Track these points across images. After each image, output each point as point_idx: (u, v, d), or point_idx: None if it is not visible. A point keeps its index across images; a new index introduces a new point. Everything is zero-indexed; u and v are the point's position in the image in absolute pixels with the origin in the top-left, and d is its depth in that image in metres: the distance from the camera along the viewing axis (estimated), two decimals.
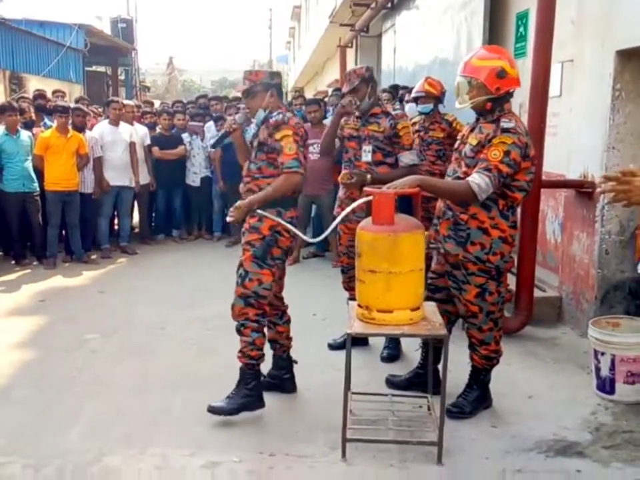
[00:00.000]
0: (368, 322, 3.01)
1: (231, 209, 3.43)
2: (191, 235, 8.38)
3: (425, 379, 3.49)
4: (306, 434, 3.23)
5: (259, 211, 3.33)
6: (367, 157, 4.11)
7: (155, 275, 6.54)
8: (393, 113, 4.30)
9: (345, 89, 4.14)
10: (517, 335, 4.56)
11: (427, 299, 3.31)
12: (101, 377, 3.96)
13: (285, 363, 3.74)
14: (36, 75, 15.21)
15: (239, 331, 3.44)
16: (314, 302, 5.29)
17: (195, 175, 8.12)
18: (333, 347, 4.33)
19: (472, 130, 3.28)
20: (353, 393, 3.27)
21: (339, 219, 3.34)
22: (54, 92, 9.55)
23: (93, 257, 7.13)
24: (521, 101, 5.94)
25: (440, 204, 3.36)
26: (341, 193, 4.31)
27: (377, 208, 2.96)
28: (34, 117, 7.42)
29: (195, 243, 8.22)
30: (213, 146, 3.67)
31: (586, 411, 3.45)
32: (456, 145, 3.41)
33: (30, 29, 15.77)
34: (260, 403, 3.42)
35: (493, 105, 3.15)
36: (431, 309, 3.18)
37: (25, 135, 6.74)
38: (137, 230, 8.38)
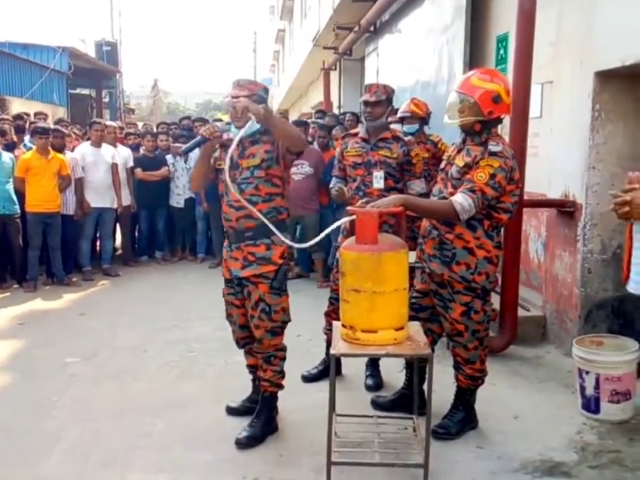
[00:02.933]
0: (352, 342, 2.97)
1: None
2: (175, 256, 8.32)
3: (410, 400, 3.44)
4: (290, 457, 3.18)
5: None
6: (378, 183, 3.87)
7: (137, 297, 6.47)
8: (405, 138, 4.14)
9: (368, 98, 3.88)
10: (501, 354, 4.55)
11: (411, 318, 3.28)
12: (81, 401, 3.88)
13: None
14: (19, 97, 15.16)
15: (268, 361, 3.35)
16: (298, 323, 5.21)
17: (179, 196, 8.09)
18: (308, 378, 4.15)
19: (459, 151, 3.27)
20: (338, 415, 3.22)
21: (326, 231, 3.13)
22: (36, 114, 9.55)
23: (74, 279, 7.04)
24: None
25: (425, 223, 3.36)
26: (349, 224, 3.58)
27: (361, 227, 2.95)
28: (15, 139, 7.38)
29: (179, 264, 8.16)
30: (185, 151, 3.48)
31: (571, 431, 3.44)
32: (442, 165, 3.40)
33: (13, 52, 15.75)
34: (275, 426, 3.47)
35: (482, 127, 3.15)
36: (415, 328, 3.15)
37: (6, 156, 6.67)
38: (119, 252, 8.29)
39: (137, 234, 8.42)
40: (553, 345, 4.71)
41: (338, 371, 4.15)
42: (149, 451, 3.25)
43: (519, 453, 3.18)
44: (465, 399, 3.43)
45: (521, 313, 4.75)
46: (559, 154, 4.65)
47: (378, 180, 3.90)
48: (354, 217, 3.00)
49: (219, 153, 3.43)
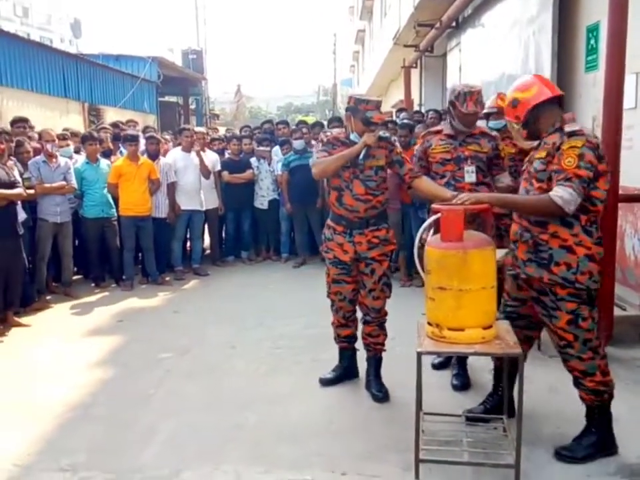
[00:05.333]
0: (439, 340, 2.97)
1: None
2: (259, 256, 8.51)
3: (499, 404, 3.37)
4: (378, 453, 3.21)
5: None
6: (470, 177, 3.96)
7: (225, 296, 6.68)
8: (492, 134, 4.16)
9: (475, 109, 3.92)
10: None
11: None
12: (176, 394, 4.06)
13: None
14: (112, 106, 15.91)
15: (382, 327, 3.98)
16: None
17: (263, 197, 8.26)
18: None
19: (537, 147, 3.18)
20: (425, 414, 3.22)
21: (420, 230, 3.21)
22: (127, 122, 9.97)
23: (167, 278, 7.34)
24: (593, 114, 5.81)
25: (515, 226, 3.20)
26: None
27: (446, 224, 2.94)
28: (112, 147, 7.78)
29: (263, 264, 8.34)
30: (362, 159, 3.82)
31: None
32: (523, 167, 3.28)
33: (106, 63, 16.56)
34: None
35: (529, 131, 3.14)
36: (504, 327, 3.11)
37: (104, 163, 7.07)
38: (207, 252, 8.58)
39: (223, 235, 8.67)
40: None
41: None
42: (241, 443, 3.37)
43: (615, 457, 3.08)
44: (594, 418, 3.16)
45: (617, 312, 4.57)
46: None
47: (470, 174, 3.96)
48: (439, 215, 3.00)
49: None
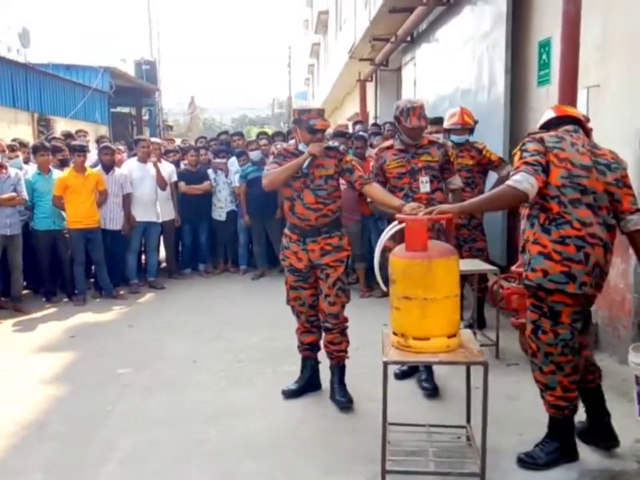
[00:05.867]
0: (404, 350, 2.97)
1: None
2: (217, 268, 8.42)
3: (598, 431, 3.26)
4: (343, 465, 3.18)
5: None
6: (425, 187, 4.10)
7: (182, 309, 6.56)
8: (439, 141, 4.32)
9: (420, 124, 4.02)
10: None
11: None
12: (134, 410, 3.95)
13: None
14: (63, 116, 15.54)
15: (343, 333, 3.98)
16: None
17: (221, 209, 8.19)
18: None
19: None
20: (390, 424, 3.21)
21: (380, 239, 3.21)
22: (76, 132, 9.70)
23: (122, 292, 7.17)
24: None
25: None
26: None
27: (410, 234, 2.96)
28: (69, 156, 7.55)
29: (221, 276, 8.25)
30: (305, 170, 3.90)
31: (629, 440, 3.34)
32: None
33: (57, 73, 16.19)
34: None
35: None
36: (467, 336, 3.14)
37: (57, 174, 6.86)
38: (163, 265, 8.43)
39: (180, 247, 8.54)
40: (606, 353, 4.60)
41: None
42: (203, 459, 3.29)
43: (577, 463, 3.11)
44: (556, 429, 3.15)
45: None
46: None
47: (425, 184, 4.10)
48: (403, 224, 3.01)
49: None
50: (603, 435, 3.23)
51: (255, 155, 7.90)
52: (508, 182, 2.95)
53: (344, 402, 3.88)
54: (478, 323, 5.21)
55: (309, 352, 4.13)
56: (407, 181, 4.13)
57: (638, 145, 4.21)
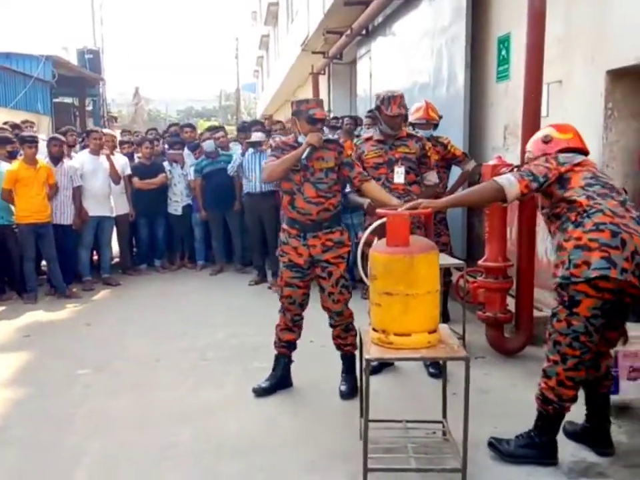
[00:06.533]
0: (385, 346, 2.94)
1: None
2: (174, 264, 8.22)
3: (593, 435, 3.24)
4: (323, 464, 3.13)
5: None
6: (399, 178, 4.17)
7: (141, 306, 6.38)
8: (418, 135, 4.43)
9: (400, 112, 4.15)
10: (518, 355, 4.55)
11: None
12: (100, 412, 3.80)
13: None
14: (3, 107, 14.92)
15: (347, 330, 3.97)
16: (308, 328, 5.20)
17: (177, 203, 7.98)
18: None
19: None
20: (368, 421, 3.18)
21: (364, 236, 3.20)
22: (22, 122, 9.28)
23: (75, 289, 6.92)
24: (505, 122, 6.04)
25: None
26: (368, 222, 4.17)
27: (392, 229, 2.93)
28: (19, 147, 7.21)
29: (178, 272, 8.06)
30: (305, 158, 3.81)
31: None
32: None
33: None
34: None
35: None
36: (445, 331, 3.13)
37: (4, 166, 6.54)
38: (116, 260, 8.18)
39: (133, 242, 8.31)
40: None
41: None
42: (178, 461, 3.19)
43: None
44: (537, 424, 3.11)
45: (535, 313, 4.74)
46: None
47: (399, 175, 4.17)
48: (384, 219, 2.98)
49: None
50: (601, 441, 3.20)
51: (207, 144, 7.71)
52: (497, 177, 3.04)
53: (343, 391, 3.93)
54: (442, 317, 5.23)
55: (285, 350, 4.08)
56: (383, 171, 4.21)
57: (600, 140, 4.31)
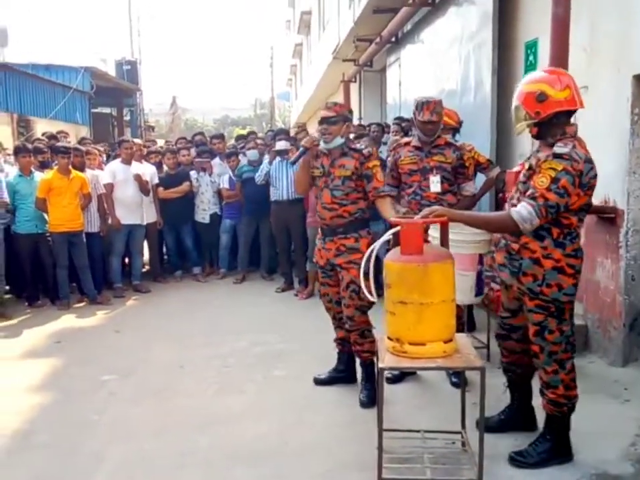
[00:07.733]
0: (400, 355, 2.93)
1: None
2: (204, 272, 8.26)
3: (519, 417, 3.43)
4: (337, 473, 3.13)
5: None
6: (436, 187, 4.20)
7: (169, 314, 6.45)
8: (457, 144, 4.41)
9: (431, 118, 4.14)
10: None
11: (504, 337, 3.31)
12: (122, 419, 3.87)
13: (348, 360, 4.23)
14: (43, 117, 15.31)
15: (362, 336, 3.94)
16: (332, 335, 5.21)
17: (204, 211, 8.02)
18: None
19: (529, 157, 3.18)
20: (384, 430, 3.17)
21: (376, 244, 3.10)
22: (58, 132, 9.50)
23: (106, 296, 7.05)
24: None
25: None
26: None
27: (405, 238, 2.91)
28: (51, 158, 7.40)
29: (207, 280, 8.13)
30: (293, 162, 4.13)
31: (624, 443, 3.34)
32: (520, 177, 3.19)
33: (36, 73, 15.95)
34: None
35: (539, 130, 2.97)
36: (463, 340, 3.10)
37: (38, 176, 6.71)
38: (146, 268, 8.30)
39: (164, 250, 8.41)
40: (597, 355, 4.60)
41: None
42: (194, 468, 3.22)
43: (573, 467, 3.10)
44: (552, 427, 3.16)
45: None
46: (597, 159, 4.55)
47: (435, 184, 4.19)
48: (398, 228, 2.97)
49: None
50: (526, 419, 3.39)
51: (251, 153, 7.79)
52: (514, 212, 2.88)
53: (362, 400, 3.90)
54: (468, 326, 5.18)
55: (340, 346, 4.23)
56: (417, 178, 4.26)
57: (626, 146, 4.21)
